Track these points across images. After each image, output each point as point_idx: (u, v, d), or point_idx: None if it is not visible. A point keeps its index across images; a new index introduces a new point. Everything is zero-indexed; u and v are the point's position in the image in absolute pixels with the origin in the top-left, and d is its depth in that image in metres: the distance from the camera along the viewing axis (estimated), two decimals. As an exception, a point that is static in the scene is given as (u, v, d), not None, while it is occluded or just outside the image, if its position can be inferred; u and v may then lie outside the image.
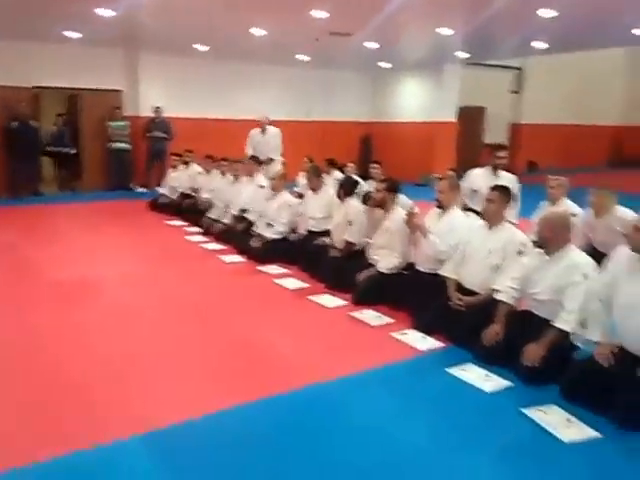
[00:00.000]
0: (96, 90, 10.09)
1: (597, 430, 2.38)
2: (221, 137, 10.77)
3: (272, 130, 8.94)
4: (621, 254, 2.62)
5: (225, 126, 11.23)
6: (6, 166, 9.17)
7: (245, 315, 3.94)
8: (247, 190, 6.32)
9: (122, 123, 10.18)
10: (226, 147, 9.13)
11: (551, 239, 2.94)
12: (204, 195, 7.45)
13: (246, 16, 7.18)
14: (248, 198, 6.22)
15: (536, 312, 3.04)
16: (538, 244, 3.04)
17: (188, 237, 6.55)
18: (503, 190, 3.53)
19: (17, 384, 2.82)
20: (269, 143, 8.81)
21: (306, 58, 10.94)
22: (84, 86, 9.96)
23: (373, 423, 2.51)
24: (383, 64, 12.07)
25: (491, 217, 3.48)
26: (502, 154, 5.24)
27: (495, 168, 5.05)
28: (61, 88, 10.02)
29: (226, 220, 6.44)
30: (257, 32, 8.14)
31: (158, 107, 10.29)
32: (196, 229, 6.90)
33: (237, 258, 5.56)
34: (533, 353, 2.80)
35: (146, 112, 10.39)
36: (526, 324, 3.01)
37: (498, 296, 3.16)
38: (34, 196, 9.31)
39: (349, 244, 4.69)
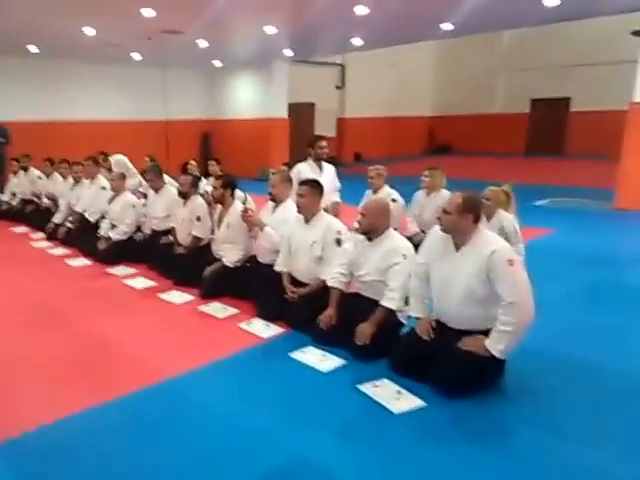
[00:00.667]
0: None
1: (423, 399, 2.36)
2: (61, 139, 9.46)
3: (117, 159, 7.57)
4: (435, 234, 2.61)
5: (64, 127, 9.88)
6: None
7: (95, 317, 3.48)
8: (88, 192, 5.51)
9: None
10: (67, 149, 8.00)
11: (374, 225, 2.87)
12: (45, 200, 6.41)
13: (76, 16, 6.24)
14: (89, 200, 5.44)
15: (364, 294, 2.99)
16: (362, 230, 2.94)
17: (33, 243, 5.67)
18: (312, 183, 3.37)
19: None
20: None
21: (139, 57, 9.90)
22: None
23: (220, 411, 2.33)
24: (216, 62, 11.41)
25: (305, 211, 3.32)
26: (323, 144, 4.96)
27: (318, 159, 4.81)
28: None
29: (69, 224, 5.57)
30: (88, 31, 7.10)
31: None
32: (41, 235, 5.95)
33: (84, 261, 4.87)
34: (364, 332, 2.73)
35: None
36: (356, 305, 2.94)
37: (329, 283, 3.05)
38: None
39: (196, 239, 4.29)
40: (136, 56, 9.83)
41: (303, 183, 3.35)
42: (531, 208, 6.93)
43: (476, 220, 2.43)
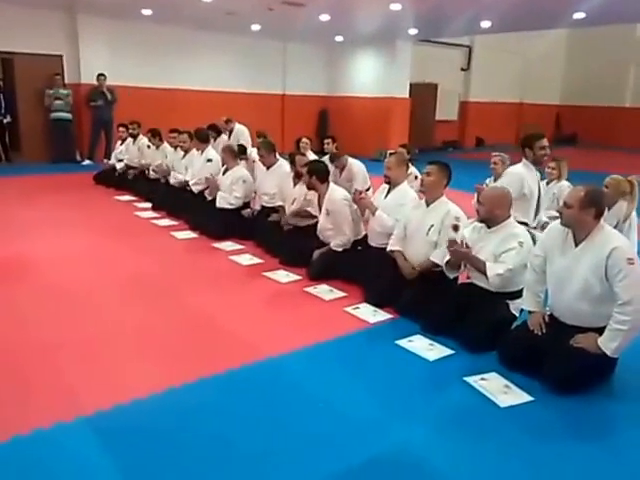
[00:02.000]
0: (34, 55, 9.62)
1: (531, 394, 2.63)
2: (173, 107, 10.61)
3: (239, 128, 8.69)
4: (555, 227, 2.85)
5: (177, 95, 11.04)
6: None
7: (198, 292, 3.98)
8: (197, 163, 6.30)
9: (63, 91, 9.79)
10: (179, 118, 8.99)
11: (492, 213, 3.17)
12: (152, 173, 7.38)
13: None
14: (197, 171, 6.22)
15: (477, 282, 3.27)
16: (480, 219, 3.26)
17: (138, 213, 6.46)
18: (442, 164, 3.68)
19: None
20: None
21: (258, 27, 10.81)
22: (20, 50, 9.48)
23: (324, 394, 2.64)
24: (337, 37, 12.11)
25: (429, 190, 3.65)
26: (544, 143, 5.50)
27: (537, 163, 5.31)
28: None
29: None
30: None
31: (101, 74, 9.97)
32: (146, 204, 6.82)
33: (190, 234, 5.56)
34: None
35: (88, 79, 10.05)
36: (469, 294, 3.25)
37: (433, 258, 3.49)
38: (-32, 167, 8.92)
39: (307, 213, 4.76)
40: (255, 27, 10.74)
41: (432, 162, 3.69)
42: None
43: (598, 215, 2.65)
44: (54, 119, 9.79)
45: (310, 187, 4.44)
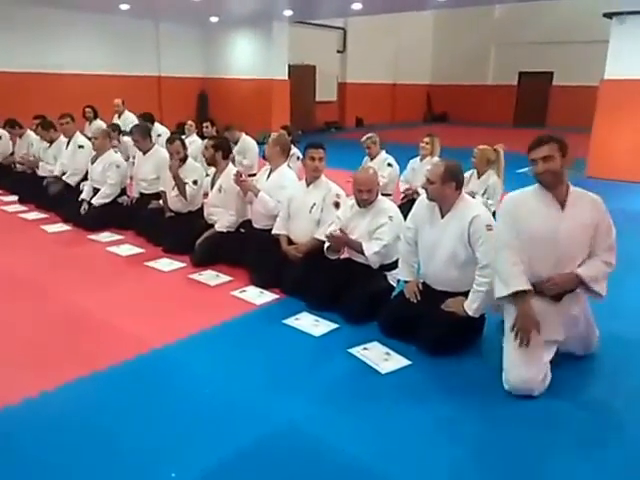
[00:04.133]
0: None
1: (409, 359, 2.77)
2: (41, 92, 9.72)
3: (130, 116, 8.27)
4: (422, 202, 3.02)
5: (43, 80, 10.10)
6: None
7: (75, 287, 3.73)
8: (66, 151, 5.85)
9: None
10: (48, 103, 8.25)
11: (372, 193, 3.26)
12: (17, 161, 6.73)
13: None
14: (67, 160, 5.77)
15: (356, 259, 3.38)
16: (358, 202, 3.34)
17: (3, 207, 5.92)
18: (324, 148, 3.73)
19: None
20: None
21: (127, 7, 10.14)
22: None
23: (210, 380, 2.61)
24: (212, 18, 11.72)
25: (319, 174, 3.71)
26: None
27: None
28: None
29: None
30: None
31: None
32: (12, 197, 6.26)
33: (62, 227, 5.18)
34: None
35: None
36: (349, 270, 3.36)
37: (317, 236, 3.55)
38: None
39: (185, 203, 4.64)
40: (124, 6, 10.04)
41: (319, 146, 3.68)
42: (514, 175, 7.84)
43: (458, 187, 2.86)
44: None
45: (211, 162, 4.32)
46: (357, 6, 9.93)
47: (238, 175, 4.04)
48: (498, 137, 11.02)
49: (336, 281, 3.32)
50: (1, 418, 2.28)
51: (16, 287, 3.71)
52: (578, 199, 2.52)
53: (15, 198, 6.22)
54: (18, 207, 5.89)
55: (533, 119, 16.52)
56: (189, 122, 6.96)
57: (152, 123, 7.24)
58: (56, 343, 2.95)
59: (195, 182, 4.61)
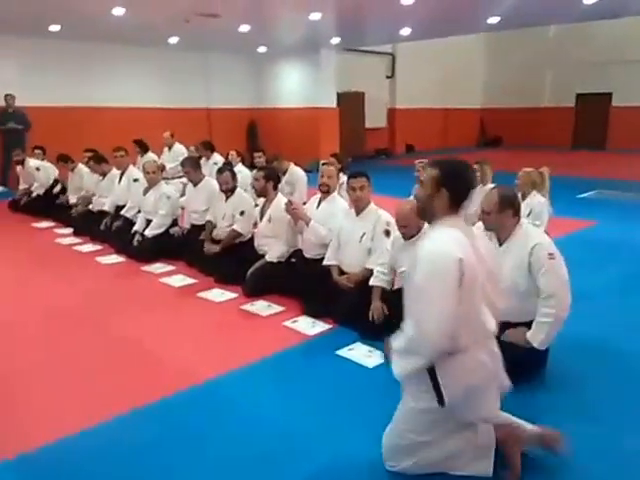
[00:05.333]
0: None
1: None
2: (87, 126, 10.31)
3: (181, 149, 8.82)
4: (478, 228, 2.95)
5: (91, 114, 10.73)
6: None
7: (129, 319, 3.88)
8: (120, 185, 6.17)
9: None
10: (98, 137, 8.74)
11: (409, 227, 3.29)
12: (70, 195, 7.20)
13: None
14: (122, 193, 6.08)
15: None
16: (402, 234, 3.36)
17: (59, 240, 6.24)
18: (366, 175, 3.80)
19: None
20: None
21: (176, 40, 10.72)
22: None
23: (260, 413, 2.64)
24: (260, 48, 12.21)
25: (363, 203, 3.78)
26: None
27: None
28: None
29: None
30: (116, 11, 7.85)
31: (10, 95, 9.54)
32: (68, 230, 6.60)
33: (116, 258, 5.43)
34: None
35: (-4, 101, 9.61)
36: (401, 300, 3.35)
37: (371, 282, 3.49)
38: None
39: (234, 234, 4.78)
40: (173, 40, 10.65)
41: (359, 175, 3.78)
42: (575, 200, 8.02)
43: (515, 214, 2.84)
44: (-40, 144, 9.28)
45: (262, 193, 4.46)
46: (406, 32, 10.16)
47: (289, 203, 4.16)
48: (556, 160, 10.91)
49: (389, 311, 3.33)
50: (58, 448, 2.38)
51: (72, 319, 3.89)
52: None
53: (70, 231, 6.54)
54: (73, 240, 6.20)
55: (592, 141, 16.43)
56: (232, 152, 7.20)
57: (212, 152, 7.63)
58: (111, 374, 3.07)
59: (242, 213, 4.77)
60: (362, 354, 3.20)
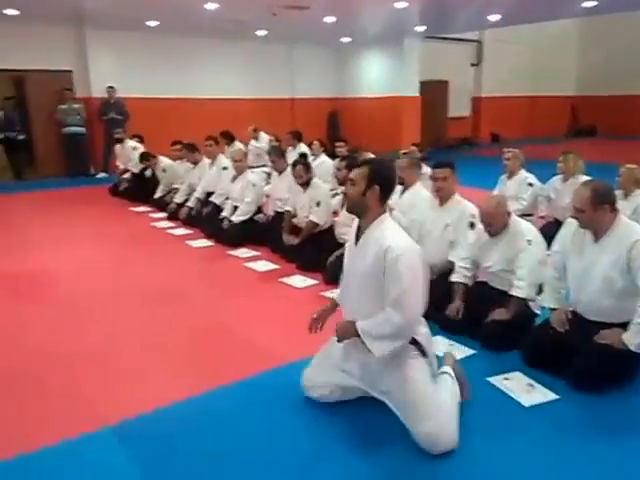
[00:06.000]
0: (44, 71, 9.79)
1: (556, 392, 2.59)
2: (179, 117, 10.72)
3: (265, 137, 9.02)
4: (572, 225, 2.81)
5: (183, 105, 11.14)
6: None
7: (216, 300, 4.03)
8: (210, 173, 6.37)
9: (74, 106, 9.95)
10: (188, 127, 9.09)
11: (494, 226, 3.14)
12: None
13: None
14: (212, 181, 6.28)
15: (492, 284, 3.27)
16: (487, 230, 3.22)
17: (154, 223, 6.56)
18: (452, 166, 3.68)
19: None
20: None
21: (264, 33, 10.90)
22: (30, 67, 9.65)
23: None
24: (344, 39, 12.16)
25: (445, 193, 3.66)
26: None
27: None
28: (4, 70, 9.68)
29: (191, 204, 6.47)
30: (209, 6, 8.07)
31: (111, 87, 10.11)
32: (162, 214, 6.92)
33: (205, 242, 5.63)
34: (499, 313, 3.03)
35: (99, 93, 10.20)
36: (484, 295, 3.24)
37: (453, 278, 3.36)
38: (-14, 185, 9.10)
39: (312, 225, 4.82)
40: (261, 32, 10.85)
41: (442, 165, 3.68)
42: None
43: (613, 209, 2.61)
44: (67, 134, 9.95)
45: (344, 182, 4.43)
46: (495, 17, 9.73)
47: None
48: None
49: (471, 305, 3.22)
50: (152, 419, 2.50)
51: (163, 297, 4.08)
52: None
53: (164, 215, 6.86)
54: (167, 223, 6.51)
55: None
56: (315, 142, 7.23)
57: (299, 141, 7.77)
58: (198, 352, 3.19)
59: (318, 204, 4.79)
60: (443, 347, 3.08)
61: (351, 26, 10.47)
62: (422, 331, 2.36)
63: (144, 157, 7.59)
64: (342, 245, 4.34)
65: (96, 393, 2.73)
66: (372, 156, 6.52)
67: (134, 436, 2.36)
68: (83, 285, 4.35)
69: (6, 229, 6.33)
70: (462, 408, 2.42)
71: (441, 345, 3.13)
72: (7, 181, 9.69)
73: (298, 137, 7.82)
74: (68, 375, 2.91)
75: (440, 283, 3.46)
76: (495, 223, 3.12)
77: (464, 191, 3.89)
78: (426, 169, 5.55)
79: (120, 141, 8.34)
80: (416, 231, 3.79)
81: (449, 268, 3.52)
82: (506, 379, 2.75)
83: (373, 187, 2.23)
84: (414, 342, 2.30)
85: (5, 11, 8.32)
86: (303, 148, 7.63)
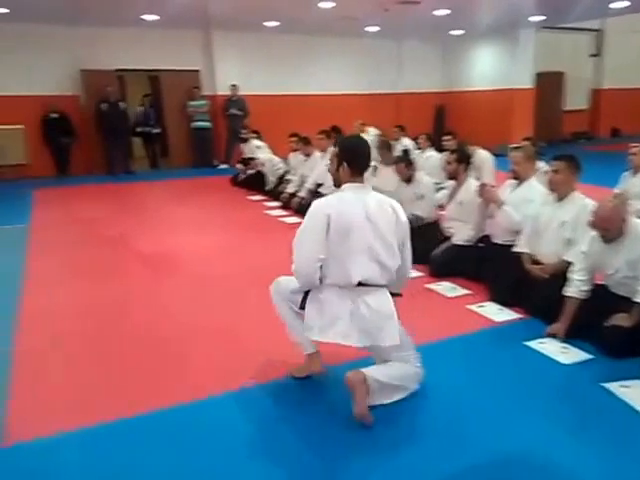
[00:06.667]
0: (175, 71, 10.45)
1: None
2: (293, 112, 10.95)
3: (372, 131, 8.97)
4: None
5: (295, 101, 11.37)
6: (100, 145, 9.80)
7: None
8: (321, 165, 6.44)
9: (201, 102, 10.52)
10: (298, 122, 9.26)
11: (610, 232, 2.83)
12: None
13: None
14: (322, 173, 6.35)
15: (613, 290, 2.97)
16: (602, 236, 2.90)
17: (267, 211, 6.80)
18: (569, 159, 3.38)
19: (111, 346, 3.11)
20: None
21: (374, 29, 10.80)
22: (164, 67, 10.35)
23: (444, 390, 2.55)
24: (455, 32, 11.73)
25: (559, 188, 3.38)
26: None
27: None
28: (142, 70, 10.47)
29: (302, 194, 6.59)
30: (324, 5, 8.12)
31: (234, 85, 10.56)
32: (275, 203, 7.14)
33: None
34: (621, 319, 2.76)
35: (223, 90, 10.70)
36: (604, 298, 2.94)
37: (566, 292, 2.99)
38: (126, 174, 9.90)
39: (418, 218, 4.69)
40: (371, 29, 10.77)
41: (558, 158, 3.41)
42: None
43: None
44: (195, 128, 10.56)
45: (453, 176, 4.31)
46: (621, 4, 8.83)
47: (483, 186, 3.93)
48: None
49: (589, 308, 2.95)
50: (269, 389, 2.58)
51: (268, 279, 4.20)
52: None
53: (277, 204, 7.06)
54: (279, 212, 6.71)
55: None
56: (421, 136, 7.05)
57: (403, 133, 7.73)
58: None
59: (422, 197, 4.67)
60: (556, 349, 2.89)
61: (464, 18, 10.04)
62: (321, 295, 2.39)
63: (243, 162, 8.14)
64: (448, 239, 4.22)
65: (226, 362, 2.88)
66: (480, 150, 6.27)
67: (251, 402, 2.48)
68: (210, 265, 4.61)
69: (145, 213, 6.91)
70: (572, 412, 2.24)
71: (553, 347, 2.92)
72: (145, 170, 10.50)
73: (403, 131, 7.73)
74: (201, 345, 3.10)
75: (553, 283, 3.19)
76: (611, 229, 2.82)
77: (581, 188, 3.58)
78: (542, 164, 5.19)
79: (245, 140, 8.68)
80: (531, 227, 3.56)
81: (564, 268, 3.24)
82: (624, 386, 2.50)
83: (342, 164, 2.38)
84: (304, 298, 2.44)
85: (144, 17, 8.94)
86: (406, 142, 7.48)
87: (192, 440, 2.22)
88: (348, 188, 2.36)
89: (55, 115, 9.48)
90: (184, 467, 2.06)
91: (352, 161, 2.38)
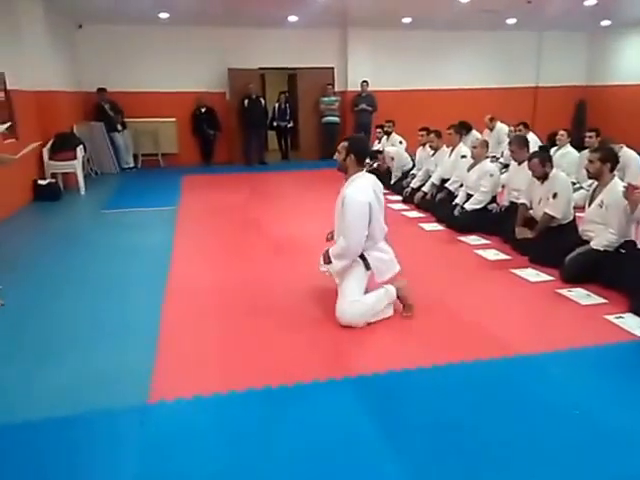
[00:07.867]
0: (312, 69, 10.67)
1: None
2: (423, 107, 10.68)
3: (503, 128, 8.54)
4: None
5: (425, 96, 11.10)
6: (241, 138, 10.36)
7: (445, 280, 3.92)
8: (448, 160, 6.19)
9: (333, 98, 10.64)
10: (430, 117, 8.99)
11: None
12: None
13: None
14: (449, 167, 6.10)
15: None
16: None
17: (389, 205, 6.61)
18: None
19: (247, 321, 3.24)
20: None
21: (514, 21, 10.09)
22: (302, 65, 10.62)
23: (580, 401, 2.33)
24: (604, 22, 10.55)
25: None
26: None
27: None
28: (282, 68, 10.83)
29: (426, 189, 6.40)
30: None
31: (365, 81, 10.53)
32: (397, 197, 7.01)
33: (436, 226, 5.53)
34: None
35: (354, 87, 10.72)
36: None
37: None
38: (260, 164, 10.38)
39: (548, 218, 4.32)
40: (511, 21, 10.11)
41: None
42: None
43: None
44: (325, 123, 10.73)
45: (596, 176, 3.90)
46: None
47: (631, 187, 3.48)
48: None
49: None
50: (385, 379, 2.54)
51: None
52: None
53: (399, 198, 6.94)
54: (401, 206, 6.59)
55: None
56: (561, 132, 6.45)
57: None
58: (423, 327, 3.13)
59: (555, 195, 4.27)
60: None
61: (614, 7, 8.98)
62: (374, 255, 3.19)
63: (372, 155, 7.91)
64: (586, 242, 3.82)
65: (346, 349, 2.89)
66: (626, 148, 5.59)
67: (367, 389, 2.46)
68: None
69: (275, 200, 7.17)
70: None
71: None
72: (277, 161, 10.92)
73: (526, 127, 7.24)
74: (325, 329, 3.11)
75: None
76: None
77: None
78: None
79: (388, 134, 8.62)
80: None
81: None
82: None
83: (350, 155, 3.13)
84: (363, 258, 3.15)
85: (289, 18, 9.24)
86: (531, 137, 6.81)
87: (320, 419, 2.25)
88: (361, 176, 3.17)
89: (203, 110, 10.19)
90: (313, 443, 2.10)
91: (358, 153, 3.15)
